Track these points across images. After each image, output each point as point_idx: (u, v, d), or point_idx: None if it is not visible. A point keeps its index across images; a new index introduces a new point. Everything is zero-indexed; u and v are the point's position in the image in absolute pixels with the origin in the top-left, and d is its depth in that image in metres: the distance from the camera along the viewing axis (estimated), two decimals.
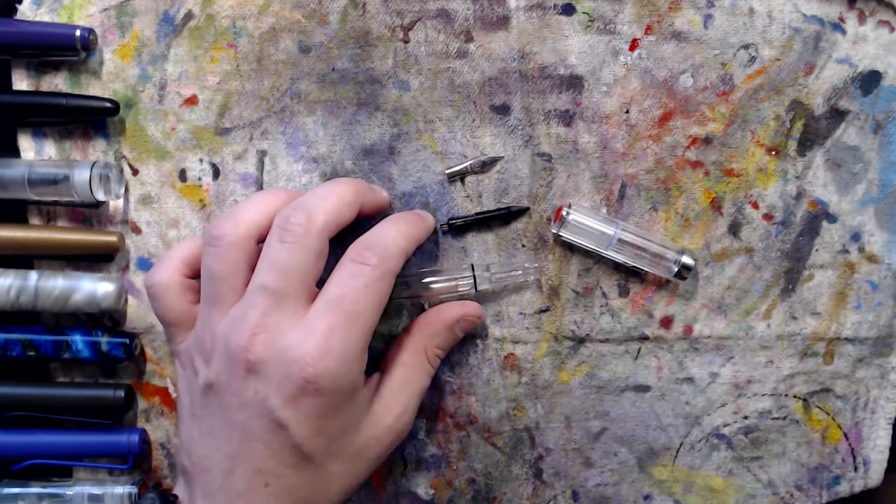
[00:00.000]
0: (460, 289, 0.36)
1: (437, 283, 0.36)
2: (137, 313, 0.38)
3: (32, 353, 0.36)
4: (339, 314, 0.29)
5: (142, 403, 0.38)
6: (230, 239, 0.30)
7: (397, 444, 0.33)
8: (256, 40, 0.36)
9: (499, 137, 0.36)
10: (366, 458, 0.32)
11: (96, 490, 0.37)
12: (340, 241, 0.32)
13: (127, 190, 0.37)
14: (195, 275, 0.33)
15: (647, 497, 0.39)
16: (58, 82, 0.36)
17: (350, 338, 0.29)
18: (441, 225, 0.37)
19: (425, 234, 0.35)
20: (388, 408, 0.33)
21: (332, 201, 0.31)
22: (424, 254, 0.37)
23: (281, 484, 0.29)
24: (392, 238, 0.31)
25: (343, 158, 0.37)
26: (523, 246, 0.37)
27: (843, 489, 0.39)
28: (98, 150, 0.37)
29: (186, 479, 0.32)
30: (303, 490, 0.30)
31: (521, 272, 0.36)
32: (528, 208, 0.37)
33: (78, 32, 0.35)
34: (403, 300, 0.36)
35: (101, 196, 0.35)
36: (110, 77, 0.36)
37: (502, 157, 0.37)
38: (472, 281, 0.36)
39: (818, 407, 0.38)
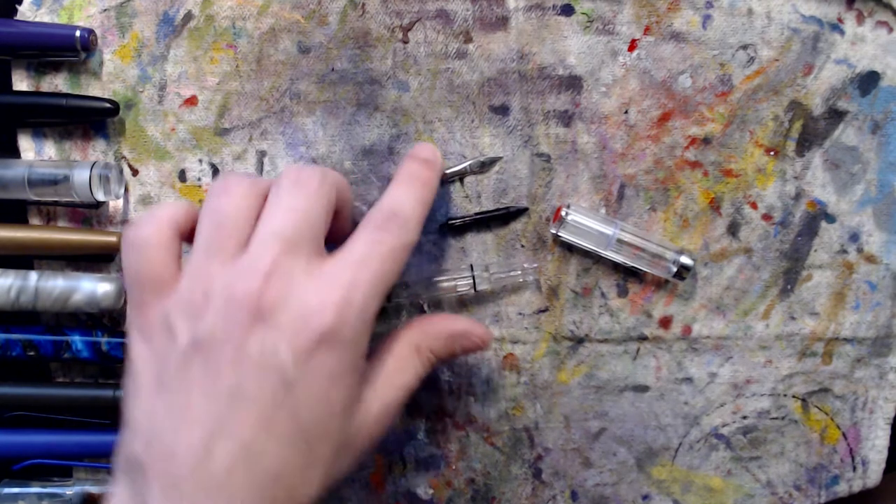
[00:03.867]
0: (459, 289, 0.36)
1: (436, 284, 0.36)
2: None
3: (32, 353, 0.36)
4: (363, 271, 0.28)
5: None
6: (243, 190, 0.29)
7: (378, 441, 0.31)
8: (256, 41, 0.36)
9: (498, 138, 0.36)
10: (353, 448, 0.30)
11: (96, 490, 0.37)
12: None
13: (127, 190, 0.37)
14: (180, 238, 0.30)
15: (645, 497, 0.39)
16: (58, 83, 0.36)
17: (370, 298, 0.28)
18: (440, 225, 0.37)
19: (436, 188, 0.34)
20: (379, 395, 0.31)
21: (336, 176, 0.31)
22: (424, 254, 0.37)
23: (265, 464, 0.26)
24: (411, 207, 0.31)
25: (342, 159, 0.37)
26: (522, 246, 0.37)
27: (842, 489, 0.39)
28: (98, 150, 0.37)
29: (135, 476, 0.26)
30: (289, 477, 0.27)
31: (519, 272, 0.36)
32: (527, 208, 0.37)
33: (78, 33, 0.35)
34: (403, 300, 0.36)
35: (100, 196, 0.35)
36: (110, 77, 0.36)
37: (501, 158, 0.37)
38: (471, 281, 0.36)
39: (817, 407, 0.38)
